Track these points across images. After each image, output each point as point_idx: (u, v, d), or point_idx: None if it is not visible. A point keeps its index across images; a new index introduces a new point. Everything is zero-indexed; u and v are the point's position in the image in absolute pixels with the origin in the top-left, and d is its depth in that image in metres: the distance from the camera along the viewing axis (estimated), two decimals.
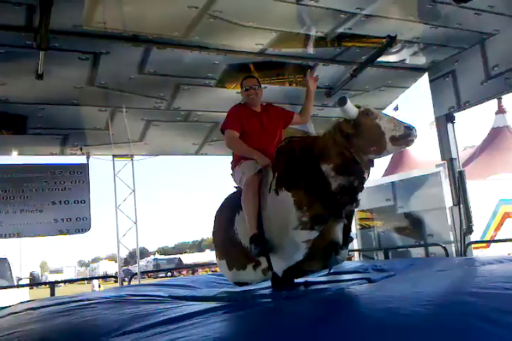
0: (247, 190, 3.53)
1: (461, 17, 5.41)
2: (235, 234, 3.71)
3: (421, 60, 6.66)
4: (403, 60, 6.49)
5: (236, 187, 3.98)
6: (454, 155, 6.70)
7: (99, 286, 22.20)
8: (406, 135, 2.97)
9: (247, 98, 3.96)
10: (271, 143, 3.79)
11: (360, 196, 3.24)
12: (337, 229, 3.27)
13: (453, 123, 6.76)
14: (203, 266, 29.98)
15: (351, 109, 3.08)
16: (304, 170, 3.25)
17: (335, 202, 3.15)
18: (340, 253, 3.35)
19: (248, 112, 3.92)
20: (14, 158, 7.31)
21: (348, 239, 3.41)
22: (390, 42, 5.69)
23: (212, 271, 22.37)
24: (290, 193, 3.24)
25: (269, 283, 3.76)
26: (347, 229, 3.39)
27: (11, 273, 10.79)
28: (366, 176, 3.17)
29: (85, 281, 31.00)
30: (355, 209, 3.45)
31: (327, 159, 3.15)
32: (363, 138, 3.05)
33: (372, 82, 6.94)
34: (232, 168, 3.92)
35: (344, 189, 3.11)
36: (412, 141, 3.01)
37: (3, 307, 4.54)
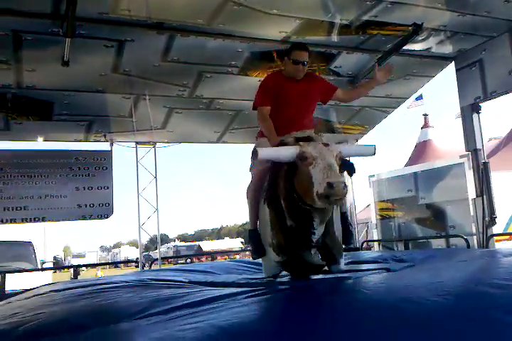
0: (252, 183, 3.33)
1: (489, 4, 5.29)
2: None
3: (447, 49, 6.54)
4: (429, 48, 6.38)
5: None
6: (478, 146, 6.60)
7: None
8: (325, 195, 2.37)
9: (294, 71, 3.51)
10: (305, 114, 3.55)
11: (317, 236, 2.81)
12: (310, 253, 2.91)
13: (478, 113, 6.64)
14: (222, 253, 30.22)
15: (285, 151, 2.52)
16: (277, 196, 2.88)
17: (290, 239, 2.88)
18: (339, 263, 3.14)
19: (284, 81, 3.53)
20: (40, 143, 7.43)
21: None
22: (415, 30, 5.60)
23: (231, 259, 22.56)
24: (268, 210, 3.00)
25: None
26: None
27: (35, 257, 11.04)
28: (318, 222, 2.73)
29: (107, 266, 31.58)
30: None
31: (283, 198, 2.78)
32: (299, 186, 2.57)
33: (397, 71, 6.79)
34: (256, 138, 3.64)
35: (293, 230, 2.80)
36: (335, 201, 2.43)
37: (27, 290, 4.66)
